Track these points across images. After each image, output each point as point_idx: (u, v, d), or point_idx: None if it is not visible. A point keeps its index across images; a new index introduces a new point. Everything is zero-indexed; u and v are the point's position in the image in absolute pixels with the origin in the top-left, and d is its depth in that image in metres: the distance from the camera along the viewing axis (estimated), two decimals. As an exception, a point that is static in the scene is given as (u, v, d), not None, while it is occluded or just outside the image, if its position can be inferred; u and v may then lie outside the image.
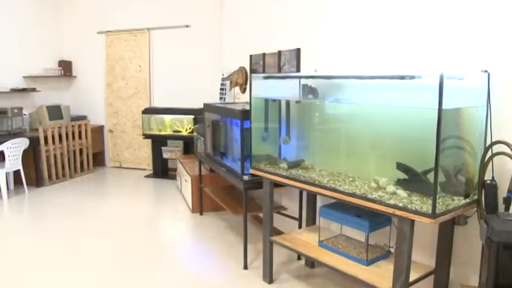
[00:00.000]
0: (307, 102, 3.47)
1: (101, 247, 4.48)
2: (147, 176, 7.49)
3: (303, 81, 3.45)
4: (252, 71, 5.14)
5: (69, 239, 4.69)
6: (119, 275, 3.85)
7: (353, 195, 2.74)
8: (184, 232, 4.96)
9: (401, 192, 2.60)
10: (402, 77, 2.48)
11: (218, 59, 7.09)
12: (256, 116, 3.62)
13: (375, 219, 2.88)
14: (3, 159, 6.24)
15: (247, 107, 3.86)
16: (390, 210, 2.49)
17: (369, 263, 2.91)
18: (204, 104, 4.90)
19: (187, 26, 7.44)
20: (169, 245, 4.53)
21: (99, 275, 3.83)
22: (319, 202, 3.74)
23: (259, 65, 4.91)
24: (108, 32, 8.08)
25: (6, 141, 6.14)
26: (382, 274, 2.77)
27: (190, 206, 5.61)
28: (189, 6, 7.38)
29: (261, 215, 4.84)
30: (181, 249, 4.42)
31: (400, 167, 2.70)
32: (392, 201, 2.52)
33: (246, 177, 3.70)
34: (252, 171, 3.60)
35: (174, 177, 7.08)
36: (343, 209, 3.05)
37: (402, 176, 2.71)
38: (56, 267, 4.00)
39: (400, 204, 2.47)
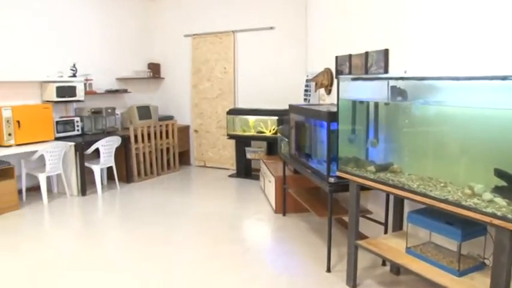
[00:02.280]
0: (396, 104, 3.38)
1: (185, 243, 4.64)
2: (230, 176, 7.64)
3: (392, 82, 3.36)
4: (338, 72, 5.08)
5: (157, 234, 4.91)
6: (202, 271, 3.95)
7: (445, 201, 2.63)
8: (267, 232, 5.00)
9: (500, 201, 2.45)
10: (504, 78, 2.34)
11: (303, 60, 7.09)
12: (344, 118, 3.58)
13: (468, 228, 2.74)
14: (98, 156, 6.64)
15: (333, 109, 3.82)
16: (487, 219, 2.36)
17: (461, 273, 2.77)
18: (289, 105, 4.91)
19: (271, 27, 7.50)
20: (252, 244, 4.59)
21: (183, 270, 3.96)
22: (407, 207, 3.62)
23: (345, 66, 4.85)
24: (194, 35, 8.34)
25: (101, 139, 6.53)
26: (476, 287, 2.63)
27: (274, 206, 5.65)
28: (274, 8, 7.44)
29: (345, 218, 4.77)
30: (264, 249, 4.47)
31: (499, 173, 2.55)
32: (489, 210, 2.39)
33: (331, 180, 3.66)
34: (338, 173, 3.56)
35: (257, 178, 7.17)
36: (433, 215, 2.93)
37: (500, 183, 2.56)
38: (144, 258, 4.20)
39: (499, 213, 2.33)
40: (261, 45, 7.66)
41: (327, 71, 5.47)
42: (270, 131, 7.21)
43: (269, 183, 5.95)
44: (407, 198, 2.94)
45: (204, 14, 8.20)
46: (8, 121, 5.97)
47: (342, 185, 3.63)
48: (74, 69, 7.08)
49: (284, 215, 5.50)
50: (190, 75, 8.50)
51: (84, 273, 3.96)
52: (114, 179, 6.95)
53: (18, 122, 6.07)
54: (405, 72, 3.71)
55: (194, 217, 5.55)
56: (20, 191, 6.17)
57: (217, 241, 4.67)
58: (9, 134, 6.00)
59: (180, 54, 8.59)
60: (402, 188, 2.96)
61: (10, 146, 6.01)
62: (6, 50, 6.34)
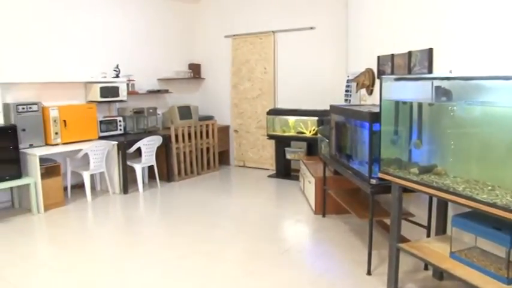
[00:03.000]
0: (440, 104, 3.29)
1: (225, 242, 4.67)
2: (270, 176, 7.64)
3: (437, 82, 3.28)
4: (380, 72, 5.00)
5: (197, 232, 4.96)
6: (241, 270, 3.96)
7: (493, 205, 2.54)
8: (306, 233, 4.98)
9: (552, 205, 2.36)
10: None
11: (343, 60, 7.01)
12: (386, 119, 3.52)
13: (518, 233, 2.64)
14: (140, 155, 6.77)
15: (375, 109, 3.77)
16: (538, 224, 2.27)
17: (510, 281, 2.67)
18: (331, 106, 4.87)
19: (311, 27, 7.46)
20: (291, 245, 4.57)
21: (222, 269, 3.98)
22: (451, 211, 3.53)
23: (388, 66, 4.76)
24: (234, 35, 8.39)
25: (142, 138, 6.66)
26: (525, 293, 2.54)
27: (313, 207, 5.61)
28: (314, 8, 7.40)
29: (386, 220, 4.69)
30: (303, 249, 4.45)
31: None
32: (540, 215, 2.30)
33: (373, 181, 3.61)
34: (380, 175, 3.50)
35: (296, 178, 7.14)
36: (480, 219, 2.84)
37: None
38: (185, 256, 4.25)
39: (551, 219, 2.24)
40: (301, 45, 7.62)
41: (369, 71, 5.40)
42: (310, 132, 7.17)
43: (309, 184, 5.92)
44: (453, 201, 2.86)
45: (244, 15, 8.24)
46: (55, 121, 6.17)
47: (384, 187, 3.57)
48: (117, 70, 7.24)
49: (324, 216, 5.46)
50: (231, 75, 8.55)
51: (125, 269, 4.04)
52: (155, 178, 7.08)
53: (65, 121, 6.26)
54: (450, 72, 3.62)
55: (233, 216, 5.58)
56: (65, 188, 6.37)
57: (257, 241, 4.68)
58: (56, 133, 6.19)
59: (221, 54, 8.65)
60: (447, 191, 2.89)
61: (57, 144, 6.20)
62: (54, 52, 6.56)
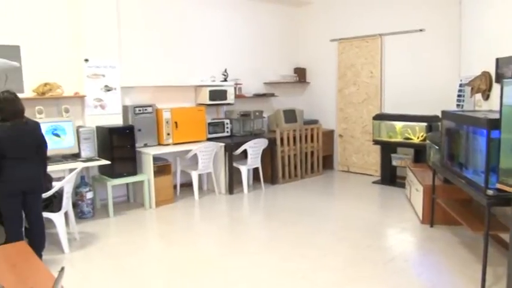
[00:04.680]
0: None
1: (327, 246, 4.64)
2: (374, 182, 7.47)
3: None
4: (499, 76, 4.69)
5: (299, 235, 4.98)
6: (343, 276, 3.91)
7: None
8: (412, 243, 4.79)
9: None
10: None
11: (455, 63, 6.66)
12: (507, 125, 3.29)
13: None
14: (246, 157, 6.94)
15: (492, 116, 3.54)
16: None
17: None
18: (442, 112, 4.66)
19: (421, 30, 7.17)
20: (396, 254, 4.43)
21: (323, 274, 3.96)
22: None
23: (508, 69, 4.46)
24: (340, 39, 8.32)
25: (248, 141, 6.83)
26: None
27: (420, 216, 5.39)
28: (424, 9, 7.09)
29: (502, 235, 4.38)
30: (409, 259, 4.29)
31: None
32: None
33: (490, 192, 3.39)
34: (499, 185, 3.28)
35: (402, 185, 6.90)
36: None
37: None
38: (287, 258, 4.29)
39: None
40: (410, 48, 7.35)
41: (485, 74, 5.08)
42: (418, 138, 6.90)
43: (416, 192, 5.70)
44: None
45: (350, 18, 8.13)
46: (167, 122, 6.53)
47: (503, 199, 3.34)
48: (225, 74, 7.51)
49: (431, 226, 5.21)
50: (336, 79, 8.48)
51: (228, 267, 4.17)
52: (259, 180, 7.22)
53: (176, 123, 6.61)
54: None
55: (336, 221, 5.53)
56: (174, 186, 6.71)
57: (359, 248, 4.60)
58: (168, 134, 6.55)
59: (326, 58, 8.62)
60: None
61: (168, 144, 6.57)
62: (168, 58, 6.99)
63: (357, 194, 6.81)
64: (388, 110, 7.70)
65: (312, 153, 8.07)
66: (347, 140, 8.41)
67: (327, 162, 8.59)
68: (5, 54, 5.53)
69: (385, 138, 7.33)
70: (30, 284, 2.21)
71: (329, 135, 8.55)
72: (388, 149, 7.30)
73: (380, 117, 7.39)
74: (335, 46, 8.45)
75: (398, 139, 7.16)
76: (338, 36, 8.35)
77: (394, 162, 7.18)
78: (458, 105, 6.06)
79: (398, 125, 7.16)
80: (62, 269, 1.74)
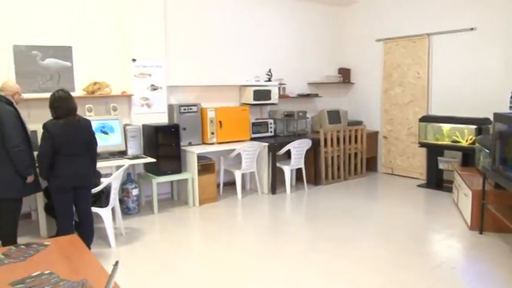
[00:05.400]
0: None
1: (370, 249, 4.57)
2: (419, 186, 7.29)
3: None
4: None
5: (341, 237, 4.92)
6: (390, 280, 3.84)
7: None
8: (459, 249, 4.65)
9: None
10: None
11: (509, 64, 6.43)
12: None
13: None
14: (289, 157, 6.93)
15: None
16: None
17: None
18: (495, 114, 4.51)
19: (472, 28, 6.95)
20: (443, 260, 4.31)
21: (369, 278, 3.89)
22: None
23: None
24: (386, 39, 8.17)
25: (292, 141, 6.81)
26: None
27: (468, 222, 5.23)
28: (475, 7, 6.85)
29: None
30: (457, 266, 4.16)
31: None
32: None
33: (546, 199, 3.26)
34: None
35: (449, 190, 6.71)
36: None
37: None
38: (329, 260, 4.24)
39: None
40: (459, 48, 7.13)
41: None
42: (466, 141, 6.69)
43: (464, 197, 5.53)
44: None
45: (396, 17, 7.97)
46: (211, 121, 6.59)
47: (559, 206, 3.20)
48: (270, 74, 7.52)
49: (481, 232, 5.04)
50: (381, 80, 8.35)
51: (269, 266, 4.16)
52: (302, 180, 7.18)
53: (220, 122, 6.66)
54: None
55: (379, 225, 5.44)
56: (218, 185, 6.76)
57: (404, 252, 4.50)
58: (212, 133, 6.62)
59: (371, 59, 8.49)
60: None
61: (212, 143, 6.63)
62: (213, 58, 7.07)
63: (401, 197, 6.67)
64: (435, 111, 7.50)
65: (356, 154, 7.97)
66: (392, 141, 8.26)
67: (371, 164, 8.46)
68: (58, 54, 5.76)
69: (431, 141, 7.15)
70: (83, 275, 2.28)
71: (373, 136, 8.42)
72: (434, 151, 7.11)
73: (427, 119, 7.21)
74: (380, 46, 8.31)
75: (446, 142, 6.97)
76: (384, 36, 8.21)
77: (441, 166, 7.00)
78: (511, 107, 5.85)
79: (446, 127, 6.97)
80: (116, 263, 1.77)
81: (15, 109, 4.28)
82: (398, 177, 8.01)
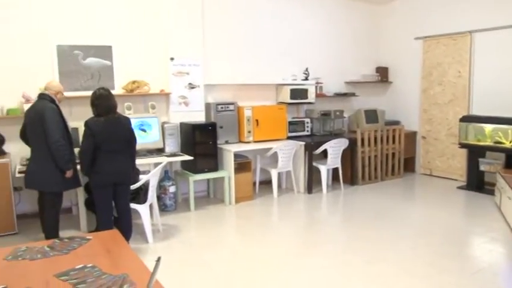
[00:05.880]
0: None
1: (406, 252, 4.48)
2: (459, 188, 7.11)
3: None
4: None
5: (378, 239, 4.86)
6: (429, 285, 3.75)
7: None
8: (502, 254, 4.50)
9: None
10: None
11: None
12: None
13: None
14: (325, 156, 6.88)
15: None
16: None
17: None
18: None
19: (517, 25, 6.73)
20: (485, 265, 4.18)
21: (408, 280, 3.82)
22: None
23: None
24: (426, 37, 8.00)
25: (328, 140, 6.76)
26: None
27: None
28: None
29: None
30: (499, 273, 4.04)
31: None
32: None
33: None
34: None
35: (491, 192, 6.51)
36: None
37: None
38: (367, 261, 4.19)
39: None
40: (503, 45, 6.88)
41: None
42: (510, 142, 6.49)
43: (508, 200, 5.36)
44: None
45: (437, 15, 7.78)
46: (248, 120, 6.61)
47: None
48: (307, 73, 7.48)
49: (525, 237, 4.90)
50: (420, 79, 8.18)
51: (305, 266, 4.14)
52: (338, 180, 7.13)
53: (257, 121, 6.67)
54: None
55: (418, 227, 5.34)
56: (253, 183, 6.77)
57: (443, 255, 4.39)
58: (249, 132, 6.63)
59: (410, 57, 8.32)
60: None
61: (249, 142, 6.64)
62: (250, 56, 7.09)
63: (440, 199, 6.52)
64: (476, 111, 7.29)
65: (393, 154, 7.84)
66: (430, 142, 8.09)
67: (409, 165, 8.29)
68: (99, 54, 5.88)
69: (472, 142, 6.96)
70: (123, 269, 2.32)
71: (411, 136, 8.26)
72: (475, 153, 6.93)
73: (468, 119, 7.03)
74: (420, 44, 8.13)
75: (488, 143, 6.77)
76: (423, 34, 8.04)
77: (482, 167, 6.81)
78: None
79: (488, 127, 6.77)
80: (159, 259, 1.76)
81: (57, 107, 4.44)
82: (437, 179, 7.83)
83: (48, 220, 4.54)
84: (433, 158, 8.06)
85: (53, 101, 4.46)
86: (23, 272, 2.35)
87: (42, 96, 4.45)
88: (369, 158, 7.46)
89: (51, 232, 4.48)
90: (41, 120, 4.25)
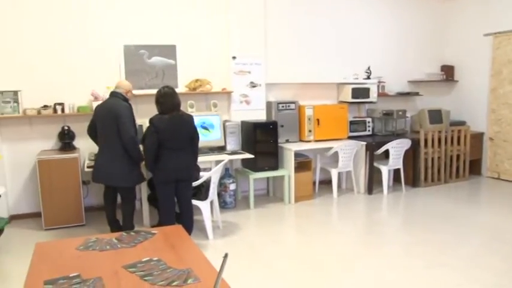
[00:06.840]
0: None
1: (472, 260, 4.28)
2: (530, 192, 6.80)
3: None
4: None
5: (441, 244, 4.71)
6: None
7: None
8: None
9: None
10: None
11: None
12: None
13: None
14: (387, 157, 6.75)
15: None
16: None
17: None
18: None
19: None
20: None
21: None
22: None
23: None
24: (496, 33, 7.65)
25: (390, 141, 6.62)
26: None
27: None
28: None
29: None
30: None
31: None
32: None
33: None
34: None
35: None
36: None
37: None
38: (428, 265, 4.07)
39: None
40: None
41: None
42: None
43: None
44: None
45: (509, 9, 7.41)
46: (309, 119, 6.60)
47: None
48: (369, 71, 7.36)
49: None
50: (489, 77, 7.83)
51: (365, 267, 4.08)
52: (400, 181, 6.96)
53: (318, 120, 6.64)
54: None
55: (485, 232, 5.11)
56: (313, 183, 6.74)
57: (509, 266, 4.17)
58: (310, 131, 6.62)
59: (478, 55, 7.98)
60: None
61: (309, 141, 6.63)
62: (311, 55, 7.09)
63: (509, 204, 6.23)
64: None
65: (458, 156, 7.56)
66: (499, 144, 7.73)
67: (474, 167, 7.97)
68: (163, 53, 6.06)
69: (545, 145, 6.62)
70: (188, 264, 2.38)
71: (478, 138, 7.94)
72: (548, 156, 6.59)
73: (540, 120, 6.69)
74: (489, 41, 7.78)
75: (563, 146, 6.42)
76: (493, 29, 7.67)
77: (556, 172, 6.46)
78: None
79: None
80: (226, 255, 1.74)
81: (130, 105, 4.63)
82: (506, 183, 7.48)
83: (125, 213, 4.78)
84: (502, 160, 7.70)
85: (125, 99, 4.66)
86: (94, 262, 2.47)
87: (114, 94, 4.65)
88: (432, 159, 7.24)
89: (127, 225, 4.75)
90: (114, 118, 4.44)
